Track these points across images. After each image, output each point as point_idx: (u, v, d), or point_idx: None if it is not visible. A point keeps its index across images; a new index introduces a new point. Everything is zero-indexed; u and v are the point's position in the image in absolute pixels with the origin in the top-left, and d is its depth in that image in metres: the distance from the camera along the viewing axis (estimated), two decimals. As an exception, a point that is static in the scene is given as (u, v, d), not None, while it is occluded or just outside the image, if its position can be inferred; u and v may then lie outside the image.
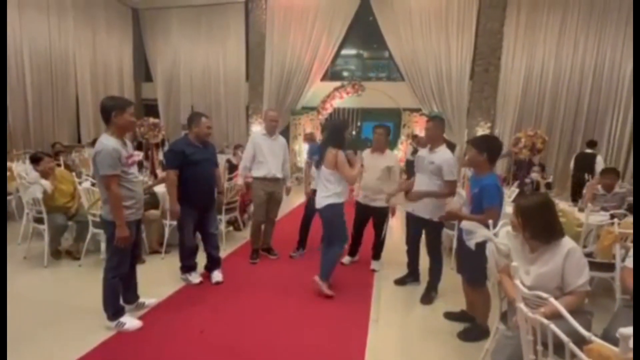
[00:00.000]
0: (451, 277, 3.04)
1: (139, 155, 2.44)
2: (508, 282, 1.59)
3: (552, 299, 1.05)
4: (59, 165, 4.23)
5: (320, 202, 2.78)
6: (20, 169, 4.06)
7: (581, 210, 3.30)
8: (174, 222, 3.22)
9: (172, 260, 3.21)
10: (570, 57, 7.29)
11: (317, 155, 2.89)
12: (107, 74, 9.36)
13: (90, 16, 8.65)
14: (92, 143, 2.24)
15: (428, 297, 2.82)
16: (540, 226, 1.53)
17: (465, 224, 1.94)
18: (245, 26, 9.25)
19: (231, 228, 4.36)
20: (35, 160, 3.34)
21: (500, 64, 7.73)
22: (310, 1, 8.57)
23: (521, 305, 1.17)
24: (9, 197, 4.35)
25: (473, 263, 1.91)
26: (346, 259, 3.54)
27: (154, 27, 10.05)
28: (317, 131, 8.31)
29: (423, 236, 2.87)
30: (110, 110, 2.10)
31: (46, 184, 3.20)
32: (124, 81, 9.91)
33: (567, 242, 1.53)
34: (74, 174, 3.65)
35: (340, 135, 2.78)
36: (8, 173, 4.08)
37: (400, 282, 3.11)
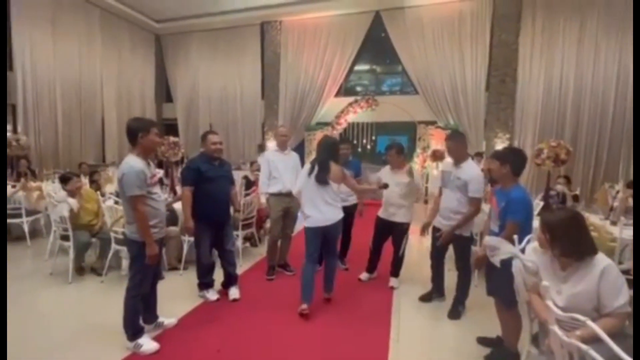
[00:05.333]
0: (476, 295, 2.90)
1: (159, 173, 2.51)
2: (538, 302, 1.50)
3: (590, 322, 0.98)
4: (92, 182, 4.42)
5: (334, 217, 2.76)
6: (49, 188, 4.27)
7: (613, 223, 3.12)
8: (192, 239, 3.26)
9: (190, 277, 3.23)
10: (592, 65, 7.08)
11: (314, 172, 2.73)
12: (131, 96, 9.85)
13: (116, 42, 9.20)
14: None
15: (456, 312, 2.72)
16: (570, 243, 1.45)
17: (488, 239, 1.86)
18: (261, 47, 9.58)
19: (248, 244, 4.37)
20: (64, 180, 3.50)
21: (517, 74, 7.60)
22: (323, 21, 8.81)
23: (555, 329, 1.09)
24: (38, 215, 4.56)
25: (507, 284, 1.80)
26: (364, 276, 3.46)
27: (175, 51, 10.57)
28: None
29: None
30: (136, 132, 2.14)
31: (73, 202, 3.34)
32: (146, 103, 10.40)
33: (602, 260, 1.43)
34: (98, 192, 3.79)
35: (337, 151, 2.90)
36: (38, 192, 4.28)
37: (425, 298, 3.00)
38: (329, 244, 2.85)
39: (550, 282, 1.50)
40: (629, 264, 2.42)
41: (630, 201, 3.49)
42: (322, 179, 2.70)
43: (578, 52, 7.17)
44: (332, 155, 2.80)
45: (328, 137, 3.08)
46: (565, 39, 7.24)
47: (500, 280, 2.02)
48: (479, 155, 6.90)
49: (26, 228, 4.31)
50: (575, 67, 7.21)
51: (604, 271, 1.40)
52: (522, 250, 1.74)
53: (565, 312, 1.35)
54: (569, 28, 7.21)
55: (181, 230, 3.60)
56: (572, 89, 7.26)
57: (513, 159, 2.13)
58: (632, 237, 2.59)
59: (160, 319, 2.51)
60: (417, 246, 4.48)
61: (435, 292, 3.01)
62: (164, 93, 11.06)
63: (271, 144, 9.25)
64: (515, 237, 1.76)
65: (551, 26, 7.31)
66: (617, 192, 4.19)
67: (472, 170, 2.59)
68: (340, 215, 2.78)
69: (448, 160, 2.85)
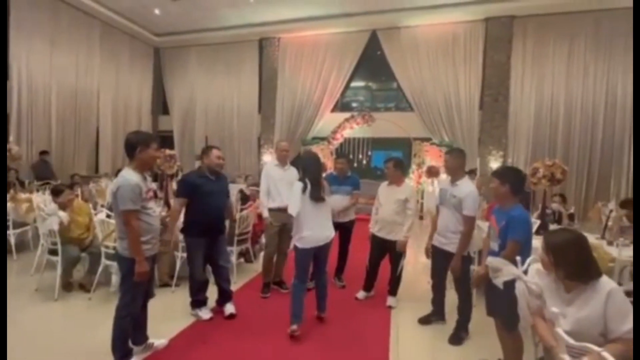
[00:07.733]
0: (476, 316, 2.85)
1: (152, 186, 2.46)
2: (543, 326, 1.46)
3: (605, 354, 0.95)
4: (77, 196, 4.31)
5: (329, 235, 2.73)
6: (39, 200, 4.15)
7: (610, 243, 3.13)
8: (185, 254, 3.18)
9: (183, 294, 3.12)
10: (581, 85, 7.32)
11: (308, 190, 2.65)
12: (127, 108, 9.81)
13: (115, 54, 9.23)
14: (117, 174, 2.32)
15: (457, 338, 2.64)
16: (574, 265, 1.43)
17: (490, 260, 1.84)
18: (259, 62, 9.70)
19: (242, 260, 4.27)
20: (56, 192, 3.42)
21: (510, 93, 7.80)
22: (321, 38, 8.99)
23: (566, 358, 1.05)
24: (26, 228, 4.42)
25: (507, 304, 1.76)
26: (361, 294, 3.39)
27: (173, 64, 10.64)
28: (329, 160, 8.38)
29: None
30: (135, 145, 2.09)
31: (63, 215, 3.25)
32: (142, 114, 10.36)
33: (607, 283, 1.41)
34: (90, 205, 3.70)
35: (322, 166, 2.93)
36: (27, 204, 4.16)
37: (424, 320, 2.92)
38: (319, 262, 2.78)
39: (555, 305, 1.47)
40: (629, 285, 2.40)
41: (625, 220, 3.52)
42: (317, 196, 2.64)
43: (568, 72, 7.42)
44: (321, 170, 2.84)
45: (311, 151, 3.11)
46: (555, 59, 7.49)
47: (500, 300, 1.99)
48: (472, 172, 6.96)
49: (13, 241, 4.17)
50: (565, 87, 7.44)
51: (610, 294, 1.38)
52: (525, 272, 1.72)
53: (571, 336, 1.32)
54: (558, 49, 7.47)
55: (174, 245, 3.51)
56: (562, 108, 7.47)
57: (513, 178, 2.14)
58: (631, 258, 2.60)
59: (150, 340, 2.39)
60: (414, 263, 4.43)
61: (435, 315, 2.92)
62: (161, 105, 11.06)
63: (267, 158, 9.25)
64: (518, 258, 1.73)
65: (541, 47, 7.57)
66: (611, 211, 4.24)
67: (467, 187, 2.60)
68: (332, 232, 2.76)
69: (447, 177, 2.86)
